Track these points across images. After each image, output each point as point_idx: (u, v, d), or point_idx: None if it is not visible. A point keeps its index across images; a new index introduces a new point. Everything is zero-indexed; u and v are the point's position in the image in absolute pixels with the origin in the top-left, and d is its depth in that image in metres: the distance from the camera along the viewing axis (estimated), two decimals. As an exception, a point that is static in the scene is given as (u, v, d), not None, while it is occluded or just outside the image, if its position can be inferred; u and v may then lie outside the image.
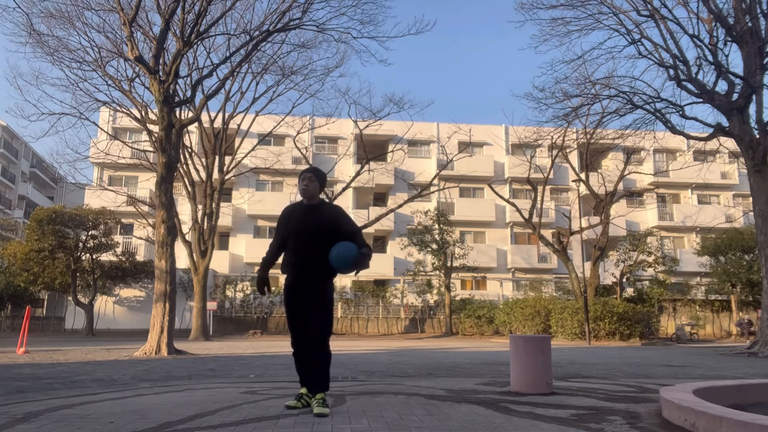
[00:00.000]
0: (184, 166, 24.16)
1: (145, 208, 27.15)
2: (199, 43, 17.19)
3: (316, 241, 3.81)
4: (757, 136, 14.93)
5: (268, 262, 4.01)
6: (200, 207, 25.17)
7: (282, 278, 4.18)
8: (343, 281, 32.24)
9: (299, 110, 47.21)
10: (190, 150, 25.11)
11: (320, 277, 3.81)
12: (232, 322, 29.49)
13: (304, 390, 3.87)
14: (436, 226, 29.70)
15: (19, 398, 4.53)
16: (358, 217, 30.25)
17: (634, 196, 37.49)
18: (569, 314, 23.16)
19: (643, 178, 36.37)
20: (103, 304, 30.29)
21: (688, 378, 6.96)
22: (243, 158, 28.13)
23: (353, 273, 3.74)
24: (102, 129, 26.92)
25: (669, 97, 24.60)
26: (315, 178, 3.98)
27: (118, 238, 30.22)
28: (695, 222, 35.78)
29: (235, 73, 20.58)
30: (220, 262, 32.20)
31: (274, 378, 6.28)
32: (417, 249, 29.99)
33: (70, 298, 28.45)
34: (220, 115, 25.16)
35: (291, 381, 5.98)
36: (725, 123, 15.60)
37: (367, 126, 26.62)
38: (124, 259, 28.67)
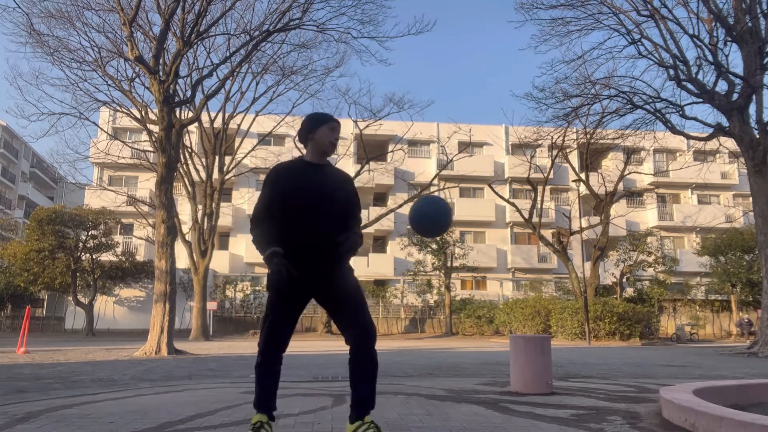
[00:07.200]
0: (184, 166, 24.17)
1: (145, 208, 27.14)
2: (199, 43, 17.20)
3: (339, 213, 2.82)
4: (757, 136, 14.93)
5: (273, 235, 2.79)
6: (200, 207, 25.18)
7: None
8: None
9: (299, 110, 46.82)
10: (190, 150, 25.11)
11: (341, 262, 2.90)
12: (232, 322, 29.48)
13: (264, 417, 2.72)
14: (436, 226, 29.65)
15: (19, 398, 4.53)
16: (358, 217, 30.24)
17: (634, 196, 37.47)
18: (569, 314, 23.16)
19: (643, 178, 36.35)
20: (103, 304, 30.28)
21: (688, 378, 6.95)
22: (243, 158, 28.12)
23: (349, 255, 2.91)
24: (102, 129, 26.91)
25: (669, 97, 24.58)
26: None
27: (118, 238, 30.23)
28: (695, 222, 35.79)
29: (235, 73, 20.59)
30: (220, 262, 32.19)
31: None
32: (417, 249, 29.99)
33: (70, 298, 28.44)
34: (220, 115, 25.17)
35: (291, 381, 5.99)
36: (725, 123, 15.60)
37: (367, 126, 26.61)
38: (124, 259, 28.68)
